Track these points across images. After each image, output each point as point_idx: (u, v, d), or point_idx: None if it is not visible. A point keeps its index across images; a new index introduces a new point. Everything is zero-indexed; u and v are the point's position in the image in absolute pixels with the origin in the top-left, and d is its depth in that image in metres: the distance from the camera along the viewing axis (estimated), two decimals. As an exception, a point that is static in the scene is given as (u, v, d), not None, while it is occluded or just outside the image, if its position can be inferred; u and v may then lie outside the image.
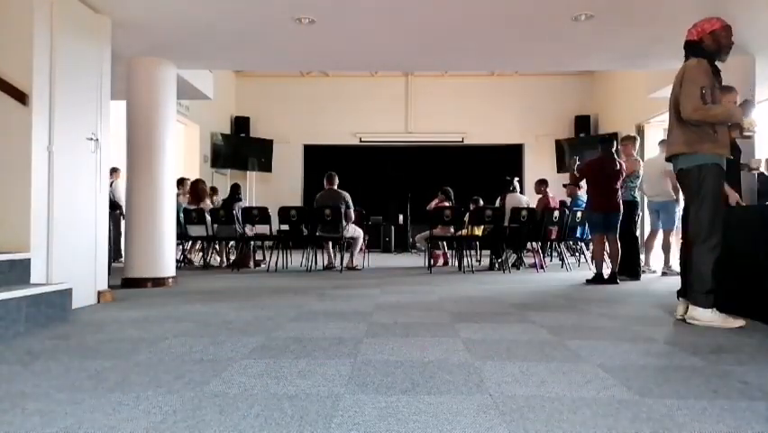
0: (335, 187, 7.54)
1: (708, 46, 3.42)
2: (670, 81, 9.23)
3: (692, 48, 3.48)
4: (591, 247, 6.38)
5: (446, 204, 8.06)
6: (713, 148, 3.31)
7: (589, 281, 5.78)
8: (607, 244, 5.96)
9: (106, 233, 4.52)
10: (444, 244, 8.25)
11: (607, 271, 5.93)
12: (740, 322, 3.23)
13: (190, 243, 8.41)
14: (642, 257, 6.71)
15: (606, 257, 6.06)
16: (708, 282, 3.28)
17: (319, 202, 7.40)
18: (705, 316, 3.28)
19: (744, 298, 3.51)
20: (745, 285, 3.54)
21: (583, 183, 7.02)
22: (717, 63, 3.43)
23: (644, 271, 6.56)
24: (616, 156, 5.98)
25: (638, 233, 6.91)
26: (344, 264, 7.37)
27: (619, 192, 5.94)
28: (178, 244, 8.03)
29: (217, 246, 8.40)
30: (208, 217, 7.65)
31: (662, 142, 6.94)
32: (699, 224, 3.32)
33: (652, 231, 6.96)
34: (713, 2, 4.50)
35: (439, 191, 8.55)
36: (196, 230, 7.74)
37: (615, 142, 6.13)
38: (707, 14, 4.70)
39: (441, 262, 8.40)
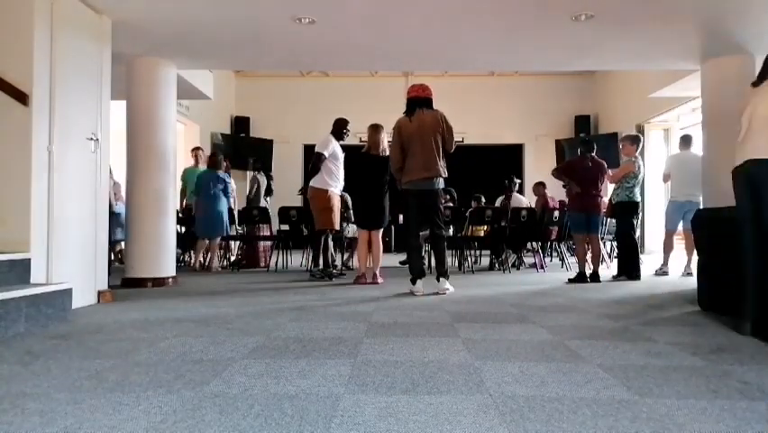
0: None
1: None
2: (670, 81, 9.16)
3: (430, 103, 5.31)
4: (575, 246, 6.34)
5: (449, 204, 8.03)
6: None
7: (571, 280, 5.81)
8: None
9: (106, 233, 4.53)
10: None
11: (603, 272, 5.92)
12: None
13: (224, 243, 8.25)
14: (643, 257, 6.66)
15: (588, 257, 6.00)
16: None
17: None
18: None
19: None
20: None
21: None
22: None
23: (665, 273, 6.46)
24: (596, 156, 5.97)
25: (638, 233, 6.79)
26: (344, 264, 7.36)
27: (601, 192, 5.93)
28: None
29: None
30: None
31: (685, 137, 6.79)
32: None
33: (669, 231, 6.62)
34: (712, 2, 4.49)
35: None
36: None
37: (594, 144, 6.11)
38: (706, 14, 4.73)
39: None
